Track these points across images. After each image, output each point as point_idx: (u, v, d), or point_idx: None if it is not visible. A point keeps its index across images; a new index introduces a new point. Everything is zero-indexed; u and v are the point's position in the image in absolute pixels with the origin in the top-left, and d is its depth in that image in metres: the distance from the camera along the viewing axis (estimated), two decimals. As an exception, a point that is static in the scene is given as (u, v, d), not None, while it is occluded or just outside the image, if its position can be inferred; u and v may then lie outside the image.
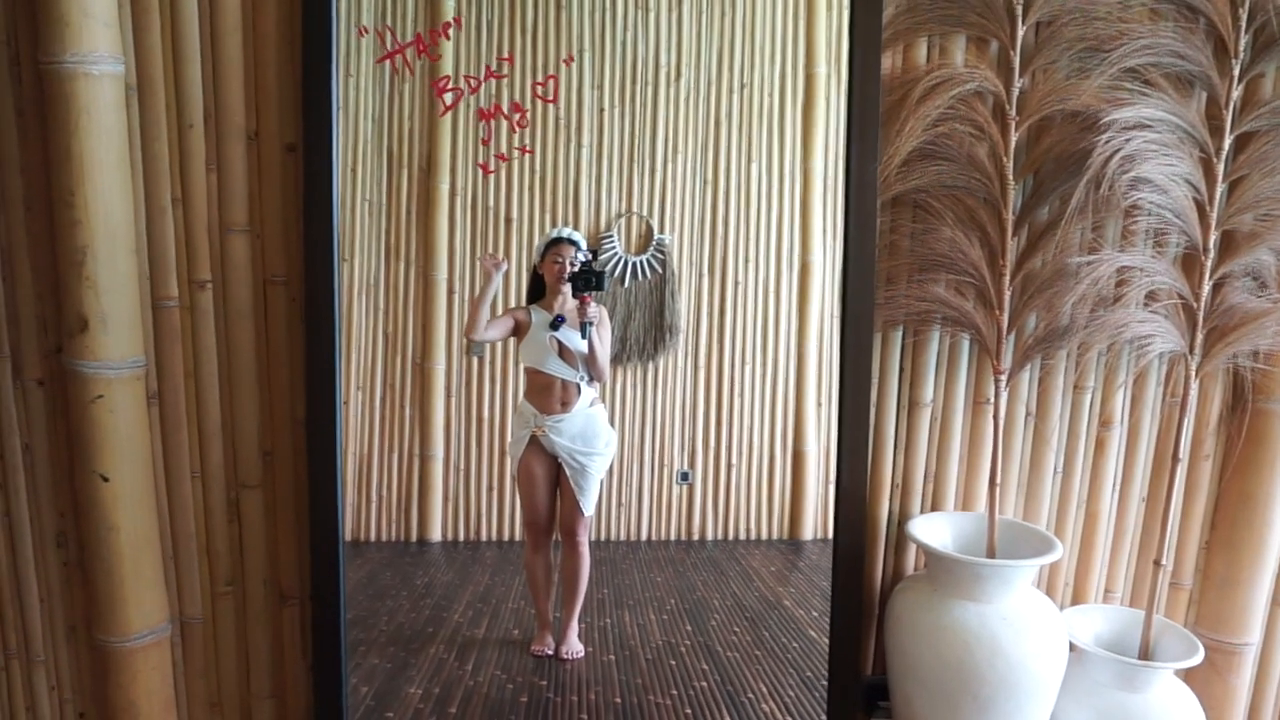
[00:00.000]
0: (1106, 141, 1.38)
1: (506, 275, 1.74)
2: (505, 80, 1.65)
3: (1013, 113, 1.47)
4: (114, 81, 1.37)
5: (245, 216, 1.49)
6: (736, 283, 1.75)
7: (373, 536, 1.79)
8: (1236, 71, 1.45)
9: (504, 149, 1.67)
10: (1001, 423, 1.57)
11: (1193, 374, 1.53)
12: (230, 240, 1.49)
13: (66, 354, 1.42)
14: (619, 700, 1.68)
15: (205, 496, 1.56)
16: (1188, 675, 1.60)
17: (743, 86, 1.70)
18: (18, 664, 1.58)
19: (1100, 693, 1.52)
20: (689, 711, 1.67)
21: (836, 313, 1.60)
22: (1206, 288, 1.51)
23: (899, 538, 1.68)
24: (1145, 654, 1.57)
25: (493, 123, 1.65)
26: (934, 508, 1.67)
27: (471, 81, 1.63)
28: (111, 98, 1.36)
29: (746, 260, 1.75)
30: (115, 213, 1.39)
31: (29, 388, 1.50)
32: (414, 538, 1.81)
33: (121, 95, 1.38)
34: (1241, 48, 1.45)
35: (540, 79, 1.65)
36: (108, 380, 1.42)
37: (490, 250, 1.72)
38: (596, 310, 1.66)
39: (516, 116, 1.64)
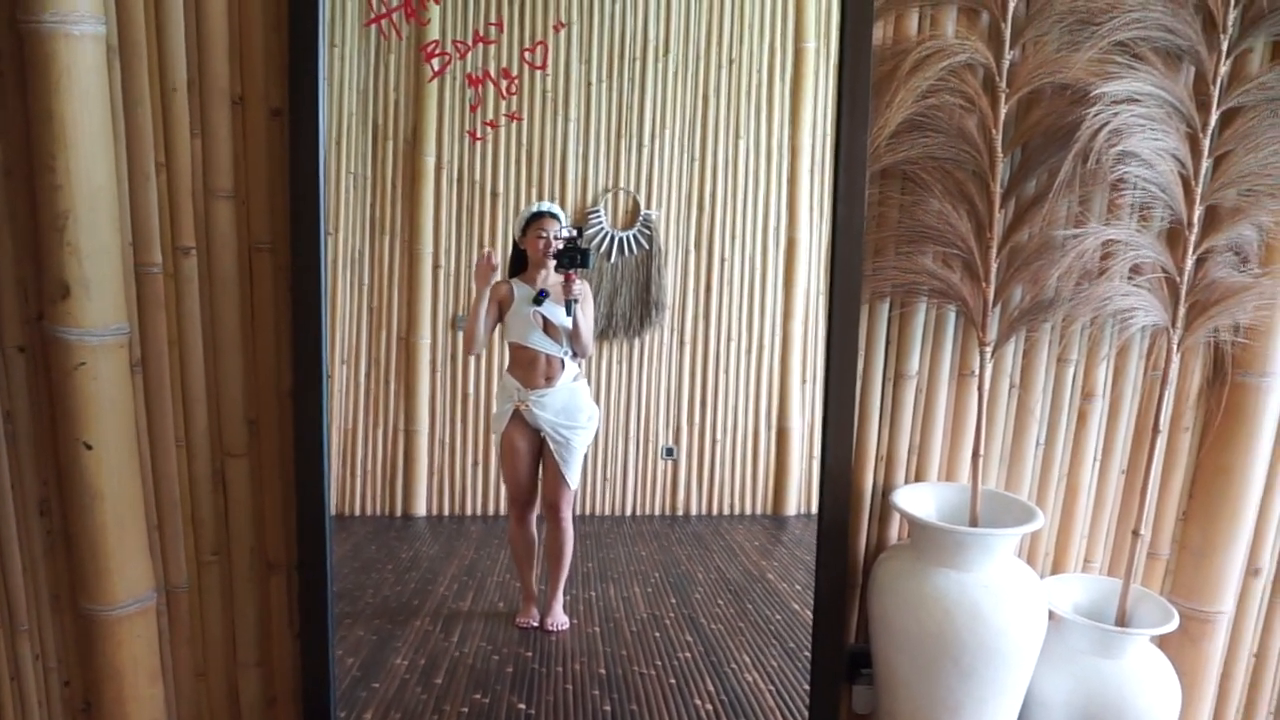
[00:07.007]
0: (1095, 115, 1.39)
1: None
2: (494, 46, 1.63)
3: (1003, 85, 1.48)
4: (95, 42, 1.34)
5: (230, 182, 1.47)
6: (723, 259, 1.75)
7: (358, 511, 1.79)
8: (1224, 46, 1.46)
9: (492, 116, 1.66)
10: (986, 394, 1.58)
11: (1174, 347, 1.55)
12: (215, 206, 1.48)
13: (48, 321, 1.40)
14: (604, 671, 1.69)
15: (190, 465, 1.55)
16: (1163, 642, 1.63)
17: (731, 61, 1.69)
18: (1, 633, 1.57)
19: (1078, 659, 1.55)
20: (673, 681, 1.69)
21: (823, 289, 1.60)
22: (1190, 262, 1.52)
23: (883, 508, 1.69)
24: (1122, 621, 1.60)
25: (481, 89, 1.64)
26: (918, 478, 1.69)
27: (460, 47, 1.62)
28: (93, 59, 1.34)
29: (733, 237, 1.75)
30: (97, 177, 1.36)
31: (10, 355, 1.48)
32: (399, 512, 1.81)
33: (103, 57, 1.36)
34: (1230, 22, 1.45)
35: (529, 45, 1.63)
36: (90, 347, 1.40)
37: (485, 248, 1.70)
38: (581, 286, 1.65)
39: (505, 83, 1.63)
